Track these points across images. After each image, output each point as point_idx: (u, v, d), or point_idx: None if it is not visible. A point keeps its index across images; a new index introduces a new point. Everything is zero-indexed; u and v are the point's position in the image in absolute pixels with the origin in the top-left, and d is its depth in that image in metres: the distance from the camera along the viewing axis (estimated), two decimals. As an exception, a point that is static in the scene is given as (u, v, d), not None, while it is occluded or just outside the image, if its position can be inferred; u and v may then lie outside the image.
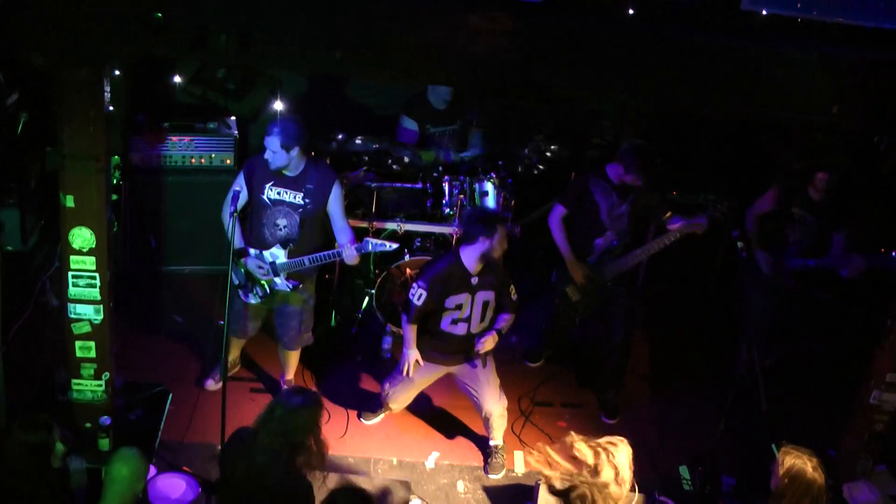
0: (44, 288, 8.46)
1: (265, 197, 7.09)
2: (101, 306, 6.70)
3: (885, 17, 5.65)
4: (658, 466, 7.76)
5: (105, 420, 6.88)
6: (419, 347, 7.29)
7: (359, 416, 7.92)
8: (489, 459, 7.59)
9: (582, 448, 6.06)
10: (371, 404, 7.97)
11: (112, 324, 6.91)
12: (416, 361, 7.31)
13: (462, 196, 8.43)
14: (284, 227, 7.15)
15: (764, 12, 5.71)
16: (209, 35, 5.60)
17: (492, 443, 7.62)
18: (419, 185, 8.63)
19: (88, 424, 6.93)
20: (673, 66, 5.79)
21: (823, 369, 8.95)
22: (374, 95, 9.75)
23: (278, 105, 7.69)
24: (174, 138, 8.87)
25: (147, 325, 8.61)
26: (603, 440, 6.13)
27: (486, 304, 7.16)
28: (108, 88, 6.19)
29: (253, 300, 7.44)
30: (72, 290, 6.63)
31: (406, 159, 8.65)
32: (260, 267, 7.21)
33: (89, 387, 6.95)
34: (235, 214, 6.72)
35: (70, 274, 6.60)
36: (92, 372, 6.91)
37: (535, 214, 9.38)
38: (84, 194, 6.35)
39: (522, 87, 5.94)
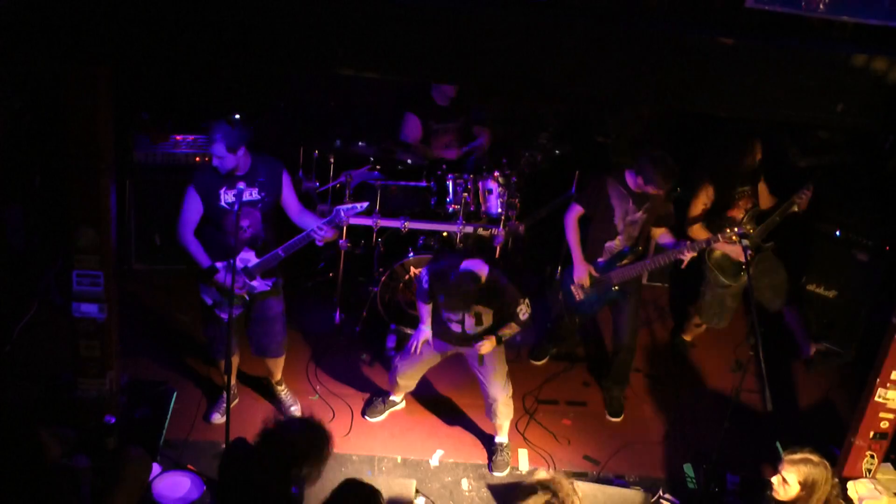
0: (48, 286, 8.49)
1: (223, 203, 6.92)
2: (106, 305, 6.71)
3: (890, 15, 5.64)
4: (662, 465, 7.76)
5: (110, 418, 6.89)
6: (431, 327, 7.39)
7: (363, 414, 7.93)
8: (494, 457, 7.59)
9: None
10: (375, 398, 7.98)
11: (116, 322, 6.92)
12: (426, 340, 7.38)
13: (466, 194, 8.42)
14: (249, 226, 6.99)
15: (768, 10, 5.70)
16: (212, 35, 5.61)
17: (497, 440, 7.63)
18: (423, 184, 8.62)
19: (93, 423, 6.94)
20: (676, 65, 5.79)
21: (830, 366, 8.94)
22: (375, 93, 9.73)
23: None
24: (178, 136, 8.88)
25: (152, 323, 8.61)
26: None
27: (478, 315, 7.15)
28: (111, 87, 6.20)
29: (237, 311, 7.17)
30: (76, 289, 6.64)
31: (409, 161, 8.64)
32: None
33: (94, 385, 6.96)
34: (237, 212, 6.70)
35: (74, 273, 6.60)
36: (96, 370, 6.92)
37: (539, 213, 9.37)
38: (88, 193, 6.36)
39: (529, 88, 5.95)
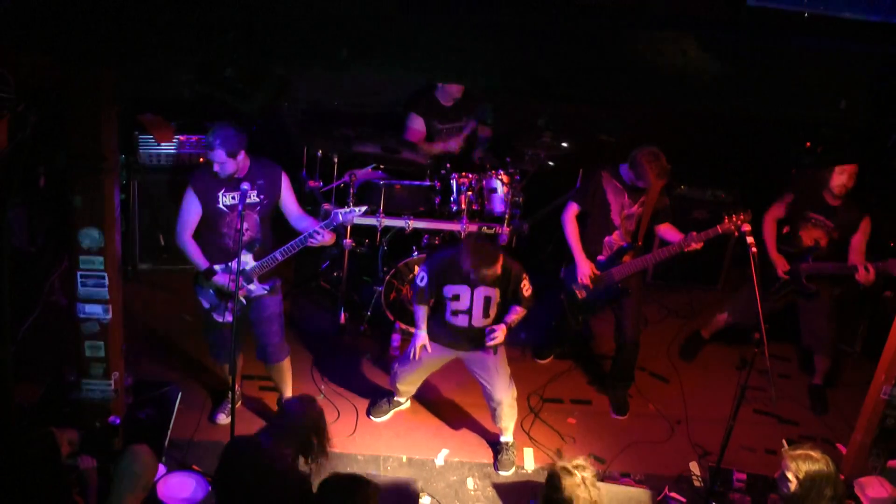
0: (52, 288, 8.50)
1: (221, 206, 6.93)
2: (110, 306, 6.71)
3: (893, 12, 5.62)
4: (668, 463, 7.75)
5: (114, 419, 6.88)
6: (429, 331, 7.35)
7: (368, 414, 7.93)
8: (499, 456, 7.59)
9: None
10: (380, 398, 7.98)
11: (121, 323, 6.92)
12: (424, 346, 7.35)
13: (470, 193, 8.42)
14: (246, 229, 6.96)
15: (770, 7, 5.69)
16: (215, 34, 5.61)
17: (502, 439, 7.63)
18: (427, 183, 8.62)
19: (98, 424, 6.93)
20: (677, 63, 5.77)
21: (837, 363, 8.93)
22: (379, 92, 9.73)
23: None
24: (182, 137, 8.88)
25: (156, 323, 8.62)
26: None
27: (487, 300, 7.15)
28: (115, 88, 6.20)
29: (230, 317, 7.08)
30: (81, 290, 6.65)
31: (413, 160, 8.64)
32: (232, 281, 7.02)
33: (98, 386, 6.97)
34: (242, 213, 6.70)
35: (79, 274, 6.61)
36: (101, 371, 6.93)
37: (543, 211, 9.37)
38: (92, 194, 6.36)
39: (532, 87, 5.94)
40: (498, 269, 7.00)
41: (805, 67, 5.77)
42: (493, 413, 7.52)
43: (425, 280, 7.20)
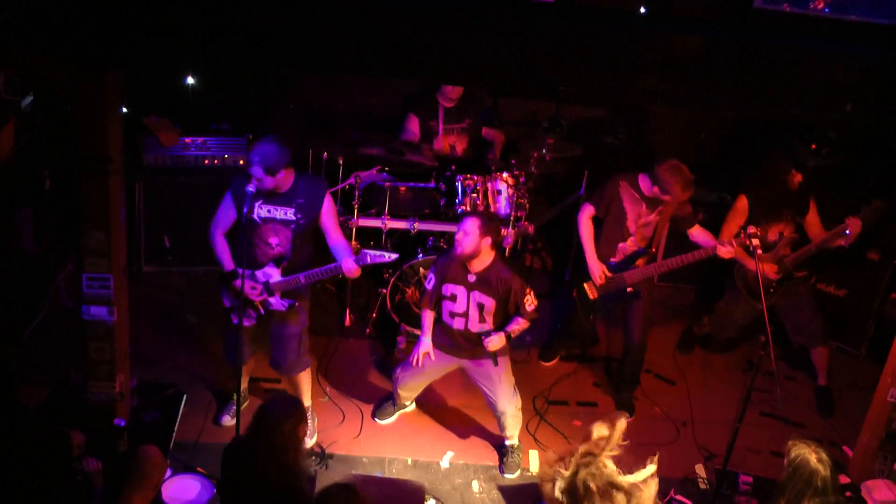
0: (58, 289, 8.50)
1: (255, 216, 6.89)
2: (115, 307, 6.71)
3: (897, 14, 5.64)
4: (674, 465, 7.73)
5: (119, 422, 6.89)
6: (432, 337, 7.37)
7: (373, 416, 7.92)
8: (504, 459, 7.58)
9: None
10: (385, 401, 7.98)
11: (126, 325, 6.92)
12: (427, 353, 7.35)
13: (475, 195, 8.42)
14: (277, 245, 6.97)
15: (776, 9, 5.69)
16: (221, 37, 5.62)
17: (507, 442, 7.62)
18: (432, 185, 8.62)
19: (103, 426, 6.94)
20: (686, 65, 5.78)
21: (843, 366, 8.92)
22: (384, 94, 9.73)
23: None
24: (188, 139, 8.89)
25: (161, 325, 8.62)
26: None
27: (480, 307, 7.12)
28: (121, 90, 6.21)
29: (247, 322, 7.17)
30: (86, 292, 6.64)
31: (417, 162, 8.65)
32: (253, 288, 7.01)
33: (104, 388, 6.96)
34: (247, 214, 6.69)
35: (84, 275, 6.60)
36: (106, 373, 6.92)
37: (548, 213, 9.36)
38: (98, 196, 6.36)
39: (537, 89, 5.94)
40: (488, 301, 7.06)
41: (811, 69, 5.78)
42: (498, 421, 7.53)
43: (432, 282, 7.22)
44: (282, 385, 7.96)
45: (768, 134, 9.59)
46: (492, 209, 8.46)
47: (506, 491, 7.41)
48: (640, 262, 7.82)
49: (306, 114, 9.80)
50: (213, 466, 7.02)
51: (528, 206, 8.66)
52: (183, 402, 7.75)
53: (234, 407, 7.35)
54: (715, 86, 5.88)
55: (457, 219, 8.42)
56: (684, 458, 7.84)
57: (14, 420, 6.90)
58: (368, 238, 8.71)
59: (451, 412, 8.07)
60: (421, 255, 8.38)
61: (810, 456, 5.78)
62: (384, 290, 8.54)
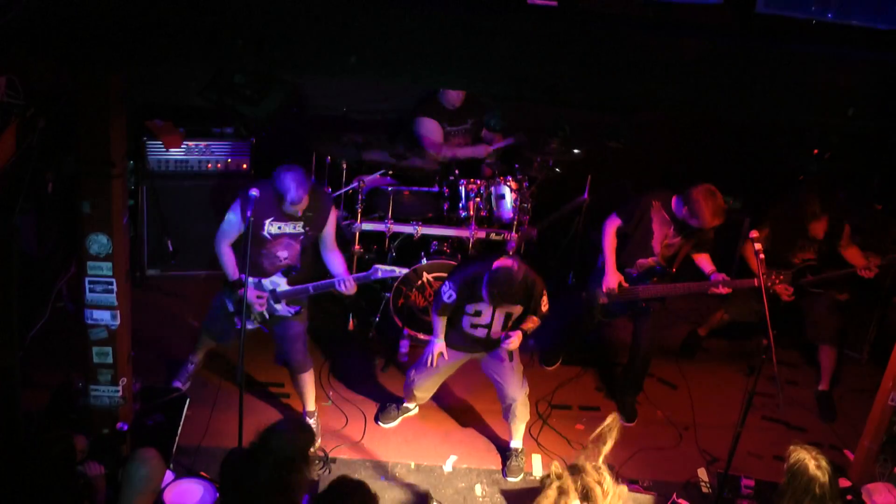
0: (61, 293, 8.51)
1: (265, 232, 7.00)
2: (118, 312, 6.71)
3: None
4: (676, 469, 7.74)
5: (122, 426, 6.90)
6: (445, 337, 7.38)
7: (376, 420, 7.93)
8: (507, 463, 7.59)
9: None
10: (389, 404, 7.98)
11: (129, 329, 6.92)
12: (441, 353, 7.38)
13: (478, 199, 8.42)
14: (286, 258, 7.12)
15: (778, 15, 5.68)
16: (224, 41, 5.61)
17: (511, 445, 7.63)
18: (436, 189, 8.63)
19: (106, 430, 6.94)
20: (688, 70, 5.77)
21: (844, 369, 8.91)
22: (387, 98, 9.73)
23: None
24: (191, 143, 8.89)
25: (164, 329, 8.62)
26: None
27: (508, 315, 7.18)
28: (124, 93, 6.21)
29: (250, 325, 7.25)
30: (89, 296, 6.64)
31: (418, 163, 8.66)
32: (259, 297, 7.15)
33: (106, 392, 6.95)
34: (250, 218, 6.69)
35: (87, 279, 6.60)
36: (109, 377, 6.91)
37: (552, 217, 9.36)
38: (101, 200, 6.35)
39: (539, 93, 5.93)
40: (516, 309, 7.09)
41: (813, 74, 5.77)
42: (507, 411, 7.53)
43: (453, 298, 7.12)
44: (286, 388, 7.98)
45: (771, 138, 9.57)
46: (495, 213, 8.47)
47: (509, 495, 7.41)
48: (656, 279, 7.82)
49: (310, 117, 9.80)
50: (217, 470, 7.01)
51: (531, 210, 8.66)
52: (186, 407, 7.74)
53: (187, 374, 7.83)
54: (717, 90, 5.88)
55: (460, 223, 8.44)
56: (686, 461, 7.84)
57: (17, 424, 6.89)
58: (372, 242, 8.71)
59: (454, 416, 8.07)
60: (424, 259, 8.38)
61: (809, 462, 5.81)
62: (388, 294, 8.53)
